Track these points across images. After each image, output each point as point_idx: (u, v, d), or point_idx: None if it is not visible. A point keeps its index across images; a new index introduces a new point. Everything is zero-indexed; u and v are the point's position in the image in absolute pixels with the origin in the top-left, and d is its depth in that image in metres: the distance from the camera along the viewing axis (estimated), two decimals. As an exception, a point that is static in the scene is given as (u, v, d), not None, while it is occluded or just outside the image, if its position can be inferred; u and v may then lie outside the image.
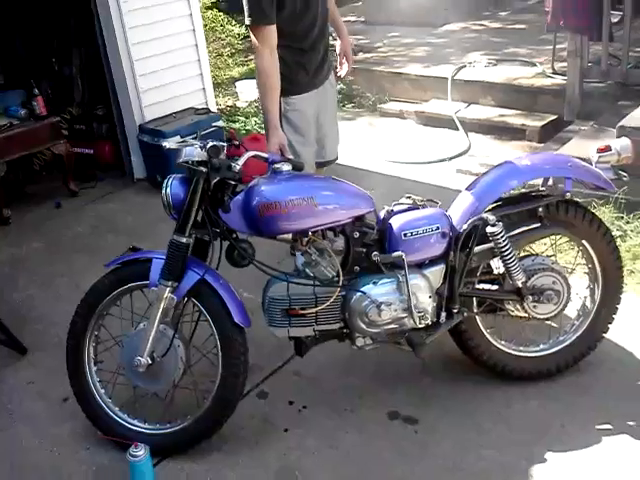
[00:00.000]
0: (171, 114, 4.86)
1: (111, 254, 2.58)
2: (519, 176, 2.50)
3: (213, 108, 5.30)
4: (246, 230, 2.34)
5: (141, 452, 2.25)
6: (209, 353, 2.47)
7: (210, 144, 2.22)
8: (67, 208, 4.73)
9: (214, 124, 4.58)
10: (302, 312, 2.39)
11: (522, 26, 7.33)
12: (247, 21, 2.74)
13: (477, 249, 2.43)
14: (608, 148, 2.45)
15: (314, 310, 2.39)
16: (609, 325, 2.67)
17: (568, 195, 2.45)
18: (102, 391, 2.56)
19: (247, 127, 5.77)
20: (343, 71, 3.35)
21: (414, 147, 5.24)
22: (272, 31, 2.71)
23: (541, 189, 2.54)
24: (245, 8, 2.71)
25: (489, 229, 2.37)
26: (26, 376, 3.00)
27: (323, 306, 2.38)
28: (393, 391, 2.70)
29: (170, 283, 2.33)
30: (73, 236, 4.33)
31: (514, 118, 5.25)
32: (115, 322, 2.60)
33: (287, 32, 2.80)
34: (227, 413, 2.46)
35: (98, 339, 2.57)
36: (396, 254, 2.35)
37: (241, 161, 2.32)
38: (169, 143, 2.30)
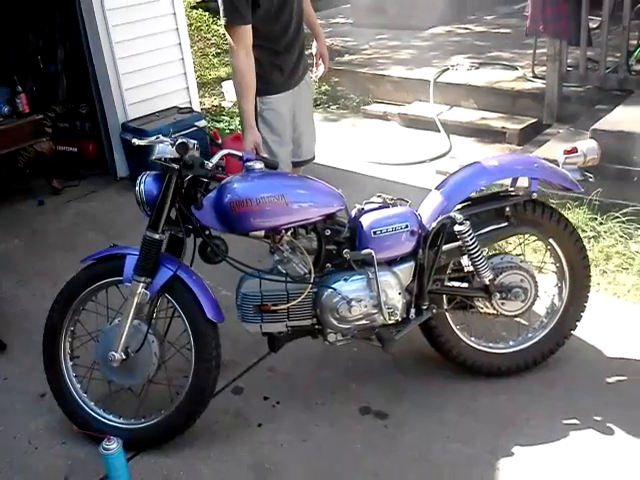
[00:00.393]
0: (154, 113, 4.87)
1: (91, 252, 2.59)
2: (487, 176, 2.55)
3: (197, 107, 5.33)
4: (219, 227, 2.37)
5: (114, 445, 2.26)
6: (182, 349, 2.50)
7: (179, 141, 2.25)
8: (50, 206, 4.74)
9: (196, 123, 4.60)
10: (274, 308, 2.43)
11: (506, 30, 7.41)
12: (222, 21, 2.77)
13: (445, 247, 2.48)
14: (574, 150, 2.51)
15: (286, 306, 2.43)
16: (577, 323, 2.72)
17: (534, 195, 2.50)
18: (78, 386, 2.59)
19: (231, 127, 5.80)
20: (319, 72, 3.40)
21: (396, 148, 5.29)
22: (247, 31, 2.74)
23: (510, 189, 2.59)
24: (221, 8, 2.75)
25: (456, 227, 2.42)
26: (4, 371, 3.02)
27: (295, 302, 2.42)
28: (365, 386, 2.74)
29: (143, 279, 2.36)
30: (54, 234, 4.34)
31: (495, 121, 5.32)
32: (91, 318, 2.63)
33: (262, 32, 2.83)
34: (200, 408, 2.49)
35: (74, 334, 2.60)
36: (365, 251, 2.39)
37: (214, 159, 2.35)
38: (138, 140, 2.33)
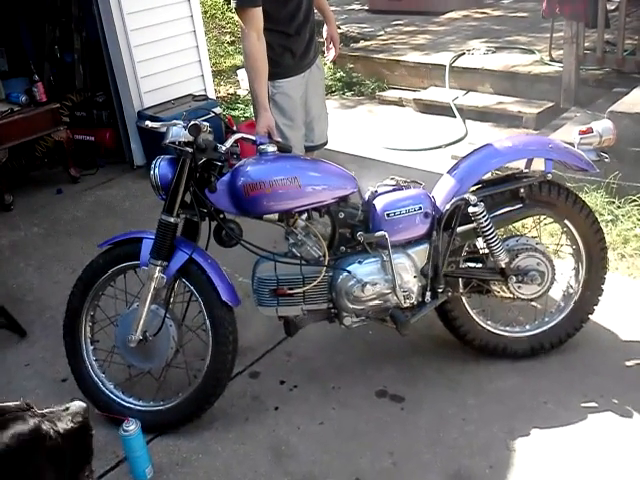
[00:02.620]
0: (169, 101, 4.90)
1: (109, 238, 2.62)
2: (501, 157, 2.53)
3: (212, 95, 5.35)
4: (233, 210, 2.38)
5: (132, 427, 2.31)
6: (200, 331, 2.52)
7: (191, 123, 2.26)
8: (68, 194, 4.80)
9: (211, 110, 4.61)
10: (289, 292, 2.44)
11: (524, 14, 7.34)
12: (233, 4, 2.78)
13: (460, 229, 2.47)
14: (590, 130, 2.48)
15: (301, 290, 2.44)
16: (594, 306, 2.70)
17: (549, 176, 2.48)
18: (98, 370, 2.62)
19: (246, 114, 5.80)
20: (330, 56, 3.39)
21: (412, 134, 5.26)
22: (258, 13, 2.74)
23: (525, 171, 2.57)
24: None
25: (471, 209, 2.41)
26: (26, 358, 3.07)
27: (310, 286, 2.43)
28: (381, 370, 2.75)
29: (160, 262, 2.39)
30: (72, 221, 4.39)
31: (511, 105, 5.27)
32: (111, 303, 2.66)
33: (273, 16, 2.83)
34: (218, 391, 2.52)
35: (94, 319, 2.63)
36: (379, 234, 2.39)
37: (228, 142, 2.37)
38: (151, 122, 2.34)
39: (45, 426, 1.28)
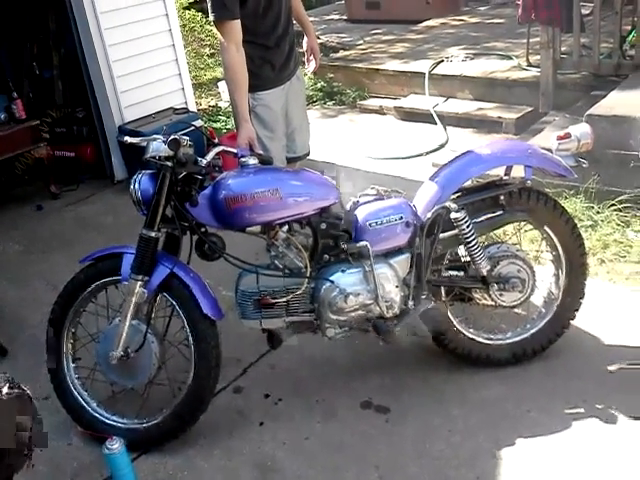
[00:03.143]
0: (150, 115, 4.89)
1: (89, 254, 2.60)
2: (480, 165, 2.54)
3: (193, 108, 5.34)
4: (215, 223, 2.38)
5: (116, 445, 2.27)
6: (182, 346, 2.50)
7: (170, 137, 2.25)
8: (48, 210, 4.76)
9: (192, 123, 4.61)
10: (272, 301, 2.42)
11: (500, 20, 7.40)
12: (211, 17, 2.78)
13: (442, 236, 2.48)
14: (568, 135, 2.50)
15: (284, 299, 2.43)
16: (576, 312, 2.71)
17: (529, 183, 2.50)
18: (80, 387, 2.60)
19: (227, 126, 5.79)
20: (310, 67, 3.40)
21: (393, 142, 5.27)
22: (237, 26, 2.74)
23: (504, 177, 2.59)
24: (208, 4, 2.75)
25: (453, 215, 2.42)
26: (7, 376, 3.03)
27: (292, 295, 2.42)
28: (366, 381, 2.74)
29: (141, 277, 2.37)
30: (52, 237, 4.36)
31: (491, 111, 5.30)
32: (92, 320, 2.63)
33: (252, 28, 2.83)
34: (202, 407, 2.50)
35: (75, 336, 2.61)
36: (361, 244, 2.39)
37: (209, 156, 2.36)
38: (130, 138, 2.33)
39: None
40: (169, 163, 2.29)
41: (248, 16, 2.79)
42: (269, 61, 2.98)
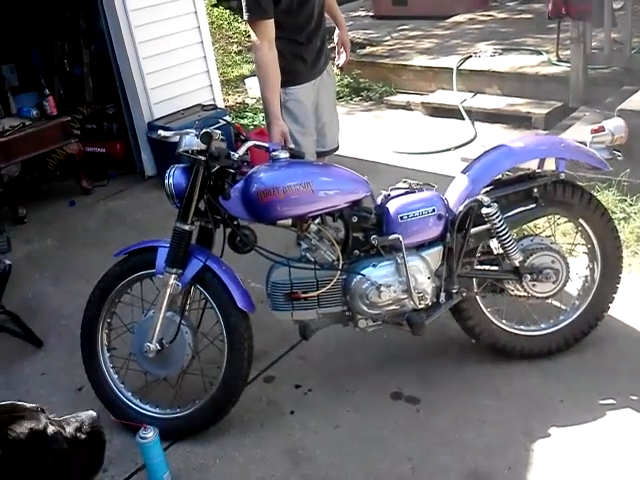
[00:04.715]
0: (179, 111, 4.93)
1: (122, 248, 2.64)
2: (513, 158, 2.53)
3: (220, 104, 5.37)
4: (246, 217, 2.40)
5: (150, 434, 2.32)
6: (215, 339, 2.54)
7: (203, 131, 2.28)
8: (80, 206, 4.83)
9: (221, 119, 4.65)
10: (304, 296, 2.45)
11: (529, 15, 7.33)
12: (245, 16, 2.80)
13: (474, 230, 2.47)
14: (602, 129, 2.48)
15: (315, 293, 2.45)
16: (610, 304, 2.69)
17: (562, 175, 2.48)
18: (115, 377, 2.64)
19: (255, 122, 5.82)
20: (341, 60, 3.43)
21: (420, 138, 5.27)
22: (270, 25, 2.77)
23: (537, 170, 2.57)
24: (243, 3, 2.78)
25: (484, 210, 2.41)
26: (42, 367, 3.09)
27: (324, 289, 2.43)
28: (396, 372, 2.75)
29: (175, 270, 2.40)
30: (85, 232, 4.43)
31: (520, 106, 5.27)
32: (128, 310, 2.67)
33: (285, 25, 2.85)
34: (233, 397, 2.52)
35: (110, 326, 2.65)
36: (393, 237, 2.40)
37: (241, 150, 2.38)
38: (164, 132, 2.36)
39: (53, 427, 1.33)
40: (202, 157, 2.31)
41: (282, 13, 2.81)
42: (301, 56, 3.00)
